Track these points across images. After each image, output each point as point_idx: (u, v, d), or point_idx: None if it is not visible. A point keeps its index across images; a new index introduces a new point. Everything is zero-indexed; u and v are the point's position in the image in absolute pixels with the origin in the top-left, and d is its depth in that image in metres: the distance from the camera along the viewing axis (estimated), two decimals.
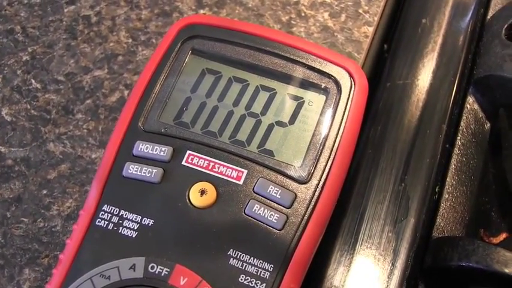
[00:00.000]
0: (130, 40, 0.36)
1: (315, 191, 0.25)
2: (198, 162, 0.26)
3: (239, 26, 0.29)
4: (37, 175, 0.32)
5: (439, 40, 0.34)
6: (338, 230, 0.29)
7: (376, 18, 0.36)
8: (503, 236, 0.32)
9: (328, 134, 0.26)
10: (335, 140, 0.26)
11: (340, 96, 0.27)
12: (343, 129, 0.27)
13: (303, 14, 0.36)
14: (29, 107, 0.34)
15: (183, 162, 0.26)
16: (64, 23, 0.36)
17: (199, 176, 0.25)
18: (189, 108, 0.27)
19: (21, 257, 0.30)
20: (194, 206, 0.25)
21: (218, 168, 0.26)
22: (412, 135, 0.31)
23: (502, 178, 0.33)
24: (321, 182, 0.26)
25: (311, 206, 0.25)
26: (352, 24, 0.36)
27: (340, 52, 0.35)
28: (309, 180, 0.26)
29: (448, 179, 0.31)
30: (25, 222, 0.31)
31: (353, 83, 0.27)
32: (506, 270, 0.25)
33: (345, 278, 0.28)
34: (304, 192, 0.25)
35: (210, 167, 0.26)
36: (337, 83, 0.27)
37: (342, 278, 0.28)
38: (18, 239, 0.30)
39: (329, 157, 0.26)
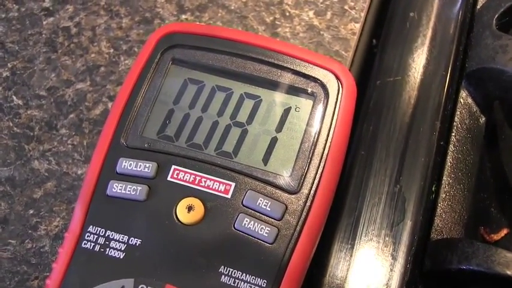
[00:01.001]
0: (111, 50, 0.35)
1: (306, 200, 0.25)
2: (184, 177, 0.25)
3: (220, 33, 0.28)
4: (23, 195, 0.31)
5: (429, 34, 0.33)
6: (333, 235, 0.28)
7: (362, 14, 0.35)
8: (504, 232, 0.31)
9: (317, 141, 0.26)
10: (325, 146, 0.25)
11: (327, 100, 0.26)
12: (333, 134, 0.26)
13: (287, 14, 0.35)
14: (11, 124, 0.33)
15: (169, 178, 0.25)
16: (43, 36, 0.35)
17: (186, 192, 0.25)
18: (173, 120, 0.26)
19: (10, 280, 0.29)
20: (182, 223, 0.24)
21: (205, 182, 0.25)
22: (405, 134, 0.30)
23: (500, 172, 0.33)
24: (312, 191, 0.25)
25: (303, 217, 0.24)
26: (338, 21, 0.35)
27: (328, 51, 0.34)
28: (300, 190, 0.25)
29: (444, 178, 0.30)
30: (12, 244, 0.30)
31: (340, 85, 0.27)
32: (508, 272, 0.25)
33: (343, 286, 0.27)
34: (295, 202, 0.24)
35: (196, 182, 0.25)
36: (324, 87, 0.26)
37: (340, 286, 0.27)
38: (6, 262, 0.29)
39: (319, 164, 0.25)
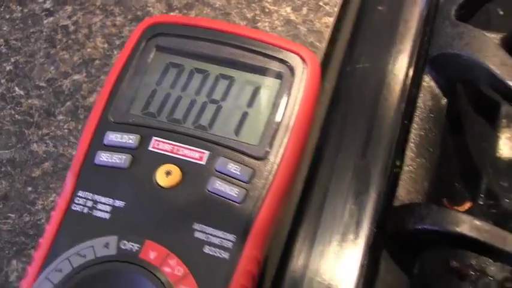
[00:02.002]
0: (106, 45, 0.38)
1: (272, 166, 0.27)
2: (163, 146, 0.28)
3: (199, 22, 0.31)
4: (22, 174, 0.34)
5: (395, 25, 0.36)
6: (304, 205, 0.31)
7: (336, 9, 0.38)
8: (467, 205, 0.33)
9: (283, 114, 0.28)
10: (290, 120, 0.28)
11: (293, 80, 0.29)
12: (298, 109, 0.28)
13: (267, 10, 0.38)
14: (13, 112, 0.36)
15: (150, 148, 0.28)
16: (44, 33, 0.39)
17: (165, 159, 0.27)
18: (155, 99, 0.29)
19: (8, 250, 0.31)
20: (161, 187, 0.27)
21: (182, 151, 0.28)
22: (371, 114, 0.33)
23: (463, 150, 0.35)
24: (278, 158, 0.27)
25: (269, 180, 0.27)
26: (313, 16, 0.38)
27: (303, 42, 0.37)
28: (267, 156, 0.27)
29: (407, 152, 0.32)
30: (12, 218, 0.32)
31: (305, 66, 0.29)
32: (458, 229, 0.27)
33: (310, 252, 0.29)
34: (262, 167, 0.27)
35: (174, 151, 0.28)
36: (290, 68, 0.29)
37: (307, 252, 0.29)
38: (5, 234, 0.32)
39: (285, 135, 0.28)
